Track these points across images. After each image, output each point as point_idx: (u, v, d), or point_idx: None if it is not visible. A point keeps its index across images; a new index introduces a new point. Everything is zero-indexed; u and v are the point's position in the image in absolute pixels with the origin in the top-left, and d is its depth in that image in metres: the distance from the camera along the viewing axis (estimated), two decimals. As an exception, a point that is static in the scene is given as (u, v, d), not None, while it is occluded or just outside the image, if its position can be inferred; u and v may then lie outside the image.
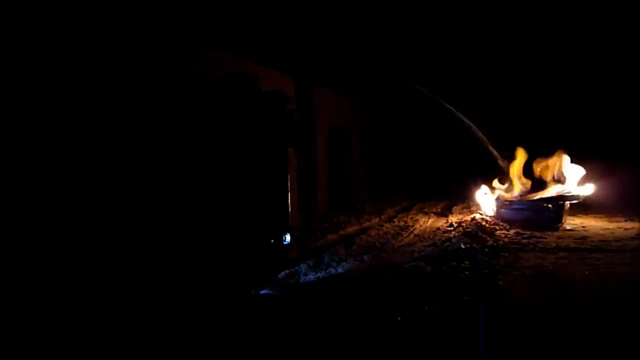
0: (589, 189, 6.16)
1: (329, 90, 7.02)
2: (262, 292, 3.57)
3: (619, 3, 8.04)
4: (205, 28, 4.33)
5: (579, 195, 6.10)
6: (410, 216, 6.55)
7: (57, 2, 2.90)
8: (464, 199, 7.11)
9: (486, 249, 4.58)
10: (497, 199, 6.22)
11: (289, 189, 3.96)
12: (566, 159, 6.13)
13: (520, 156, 6.36)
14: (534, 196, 6.13)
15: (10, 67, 2.64)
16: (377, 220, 6.32)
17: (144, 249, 3.03)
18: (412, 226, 5.87)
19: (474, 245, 4.72)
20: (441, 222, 5.99)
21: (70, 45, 2.94)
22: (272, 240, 3.71)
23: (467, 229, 5.35)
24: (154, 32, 3.68)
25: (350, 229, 5.75)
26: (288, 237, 3.83)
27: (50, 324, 2.62)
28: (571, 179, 6.11)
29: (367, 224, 6.08)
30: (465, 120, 7.15)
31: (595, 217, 6.21)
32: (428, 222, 6.10)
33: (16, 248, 2.60)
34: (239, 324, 3.02)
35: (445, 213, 6.71)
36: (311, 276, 3.93)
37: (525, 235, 5.19)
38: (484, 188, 6.42)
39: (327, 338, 2.83)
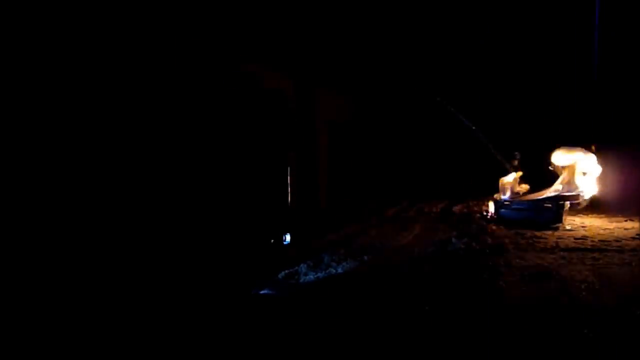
0: (592, 190, 6.18)
1: (330, 90, 7.03)
2: (262, 292, 3.58)
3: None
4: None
5: (578, 195, 6.11)
6: (410, 216, 6.55)
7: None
8: (464, 199, 7.13)
9: (486, 249, 4.58)
10: (497, 199, 6.23)
11: (289, 189, 3.98)
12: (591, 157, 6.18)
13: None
14: (534, 196, 6.14)
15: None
16: (377, 220, 6.32)
17: (146, 248, 3.04)
18: (412, 226, 5.87)
19: (474, 245, 4.73)
20: (441, 222, 6.00)
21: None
22: (272, 240, 3.72)
23: (467, 229, 5.36)
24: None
25: (351, 229, 5.75)
26: (288, 237, 3.84)
27: (51, 322, 2.63)
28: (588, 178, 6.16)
29: (367, 223, 6.08)
30: (469, 122, 7.16)
31: (595, 217, 6.21)
32: (428, 222, 6.11)
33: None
34: (239, 324, 3.03)
35: (445, 213, 6.72)
36: (311, 276, 3.94)
37: (525, 235, 5.19)
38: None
39: (327, 337, 2.84)
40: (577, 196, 6.07)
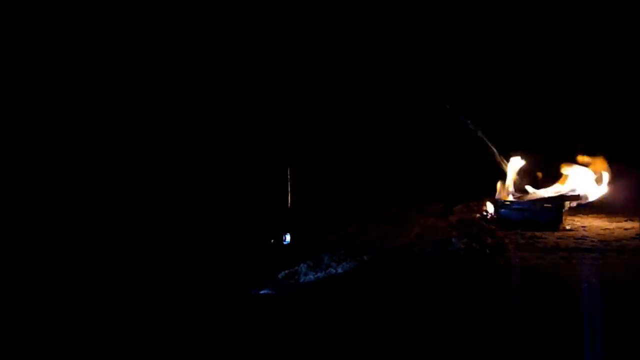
0: (597, 192, 6.16)
1: (331, 89, 7.01)
2: (262, 292, 3.58)
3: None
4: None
5: (579, 195, 6.09)
6: (410, 216, 6.54)
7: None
8: (464, 199, 7.10)
9: (486, 249, 4.58)
10: (497, 199, 6.22)
11: (289, 189, 3.98)
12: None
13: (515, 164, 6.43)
14: (534, 196, 6.13)
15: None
16: (377, 219, 6.31)
17: (145, 248, 3.04)
18: (412, 226, 5.86)
19: (474, 245, 4.73)
20: (441, 222, 5.99)
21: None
22: (272, 240, 3.72)
23: (467, 229, 5.34)
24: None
25: (351, 229, 5.74)
26: (288, 237, 3.85)
27: (45, 322, 2.62)
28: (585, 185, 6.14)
29: (367, 223, 6.07)
30: (468, 121, 7.14)
31: (595, 217, 6.20)
32: (428, 222, 6.10)
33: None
34: (239, 324, 3.03)
35: (445, 213, 6.70)
36: (311, 276, 3.94)
37: (525, 236, 5.19)
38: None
39: (327, 337, 2.84)
40: (578, 196, 6.05)
